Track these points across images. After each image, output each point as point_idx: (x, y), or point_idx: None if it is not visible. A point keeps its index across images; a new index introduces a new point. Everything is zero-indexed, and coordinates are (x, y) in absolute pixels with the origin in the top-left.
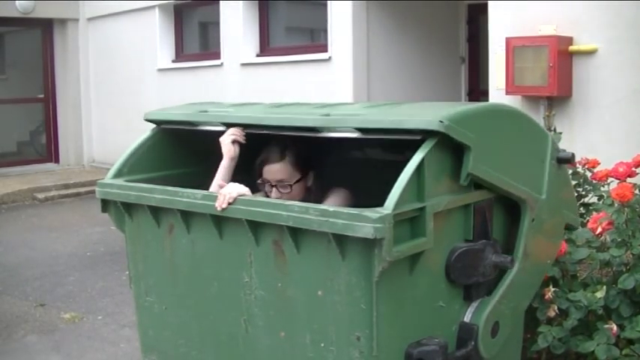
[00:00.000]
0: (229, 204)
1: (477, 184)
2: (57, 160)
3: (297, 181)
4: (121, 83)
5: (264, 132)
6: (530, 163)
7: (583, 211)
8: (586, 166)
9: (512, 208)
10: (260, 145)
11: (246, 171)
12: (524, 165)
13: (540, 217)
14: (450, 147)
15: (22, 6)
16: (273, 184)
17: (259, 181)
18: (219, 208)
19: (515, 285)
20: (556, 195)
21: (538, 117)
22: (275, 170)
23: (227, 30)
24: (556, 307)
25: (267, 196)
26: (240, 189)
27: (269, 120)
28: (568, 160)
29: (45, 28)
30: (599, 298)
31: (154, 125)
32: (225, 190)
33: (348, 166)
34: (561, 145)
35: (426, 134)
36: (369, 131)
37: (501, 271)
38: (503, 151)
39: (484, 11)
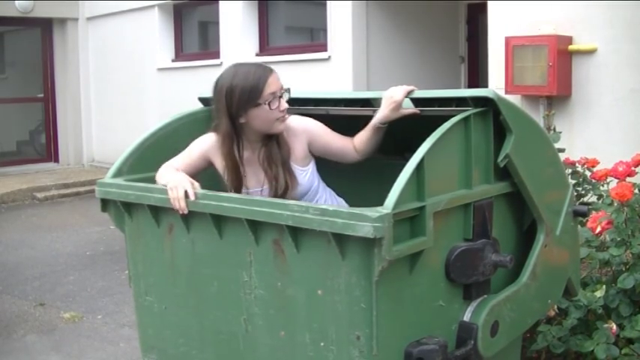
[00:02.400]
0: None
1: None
2: (56, 160)
3: None
4: (121, 83)
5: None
6: (552, 194)
7: None
8: (585, 166)
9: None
10: None
11: None
12: (547, 189)
13: (551, 250)
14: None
15: (21, 5)
16: (280, 93)
17: (261, 103)
18: (185, 212)
19: (520, 297)
20: (565, 243)
21: (538, 116)
22: (276, 78)
23: (226, 29)
24: (555, 307)
25: (276, 111)
26: (184, 184)
27: (329, 94)
28: (583, 213)
29: (44, 28)
30: (599, 298)
31: (153, 124)
32: (173, 194)
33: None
34: (561, 144)
35: (477, 104)
36: (425, 102)
37: (504, 274)
38: (535, 162)
39: (484, 11)
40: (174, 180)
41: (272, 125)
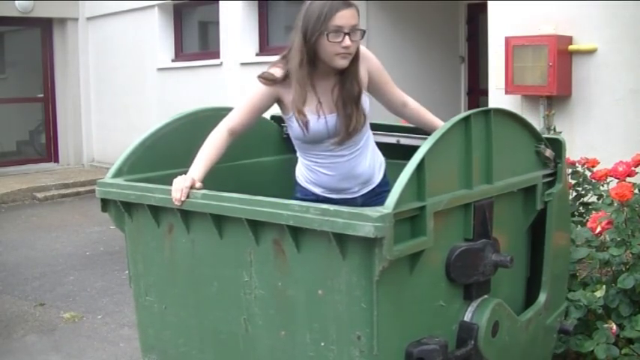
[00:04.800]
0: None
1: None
2: (56, 160)
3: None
4: (121, 82)
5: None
6: (558, 278)
7: (582, 211)
8: (585, 166)
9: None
10: None
11: None
12: (557, 267)
13: (538, 329)
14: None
15: (21, 5)
16: (347, 30)
17: (324, 32)
18: (178, 203)
19: (516, 328)
20: (547, 346)
21: (538, 116)
22: (350, 15)
23: (226, 29)
24: None
25: (338, 47)
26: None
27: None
28: (567, 332)
29: (44, 28)
30: (599, 298)
31: (153, 124)
32: (178, 186)
33: None
34: None
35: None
36: None
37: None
38: (562, 225)
39: (484, 10)
40: (188, 173)
41: (332, 59)
